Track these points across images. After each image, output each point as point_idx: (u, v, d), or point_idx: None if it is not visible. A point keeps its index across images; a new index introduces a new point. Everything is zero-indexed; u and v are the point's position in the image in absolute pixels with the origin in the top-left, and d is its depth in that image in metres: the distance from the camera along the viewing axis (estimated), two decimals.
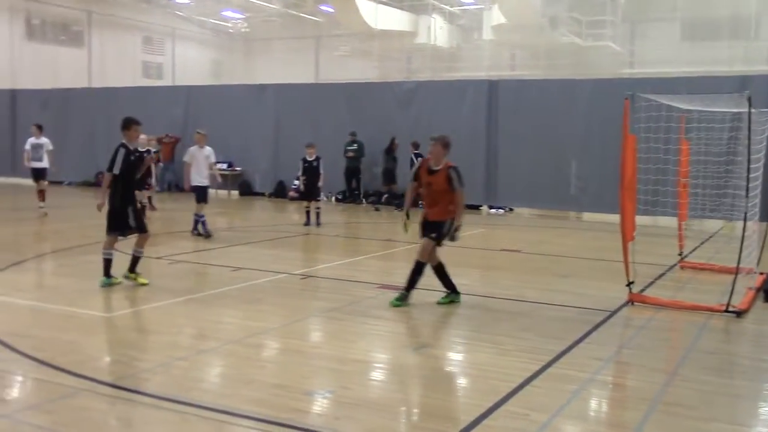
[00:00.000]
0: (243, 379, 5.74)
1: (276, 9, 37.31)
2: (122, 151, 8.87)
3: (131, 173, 9.02)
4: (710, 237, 15.10)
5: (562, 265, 11.72)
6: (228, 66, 41.64)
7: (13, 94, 27.42)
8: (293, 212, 19.13)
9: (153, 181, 17.51)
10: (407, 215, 8.52)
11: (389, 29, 34.49)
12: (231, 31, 41.23)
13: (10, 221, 15.72)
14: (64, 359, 6.02)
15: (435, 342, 7.11)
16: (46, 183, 17.50)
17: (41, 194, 17.17)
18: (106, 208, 8.92)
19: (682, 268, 11.12)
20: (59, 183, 25.67)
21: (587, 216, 19.07)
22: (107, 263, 8.97)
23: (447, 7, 35.60)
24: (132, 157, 8.98)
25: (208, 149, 13.74)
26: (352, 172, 21.11)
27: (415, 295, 8.95)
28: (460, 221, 8.32)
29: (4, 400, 5.29)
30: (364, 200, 21.54)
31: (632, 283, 8.53)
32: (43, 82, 28.46)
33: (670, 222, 12.99)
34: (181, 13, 39.80)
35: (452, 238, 8.40)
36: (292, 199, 21.95)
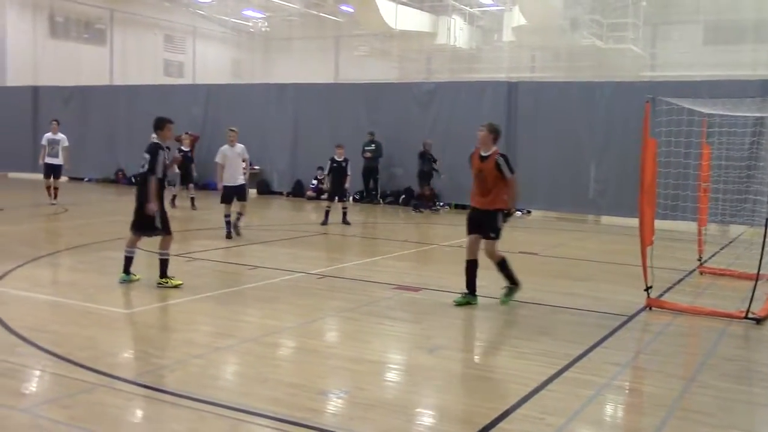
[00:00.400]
0: (259, 378, 5.76)
1: (296, 9, 37.46)
2: (161, 153, 8.86)
3: (164, 173, 9.00)
4: (730, 242, 14.96)
5: (580, 268, 11.66)
6: (248, 65, 41.84)
7: (36, 91, 27.69)
8: (311, 211, 19.18)
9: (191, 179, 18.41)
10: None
11: (409, 30, 34.50)
12: (251, 30, 41.42)
13: (29, 217, 15.88)
14: (82, 354, 6.07)
15: (451, 344, 7.10)
16: (59, 181, 17.57)
17: (54, 191, 17.29)
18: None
19: (701, 273, 11.02)
20: (80, 180, 25.94)
21: (605, 219, 18.96)
22: (128, 260, 9.02)
23: (467, 8, 35.54)
24: (165, 157, 9.01)
25: (240, 147, 13.39)
26: (370, 172, 21.13)
27: (431, 296, 8.95)
28: (514, 207, 8.53)
29: (23, 395, 5.34)
30: (381, 200, 21.56)
31: (650, 287, 8.47)
32: (65, 79, 28.72)
33: (689, 227, 12.89)
34: (202, 12, 40.05)
35: (505, 220, 8.54)
36: (310, 198, 22.02)
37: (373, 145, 20.85)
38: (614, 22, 31.60)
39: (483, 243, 8.45)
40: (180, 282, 8.91)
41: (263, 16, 39.93)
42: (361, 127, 21.19)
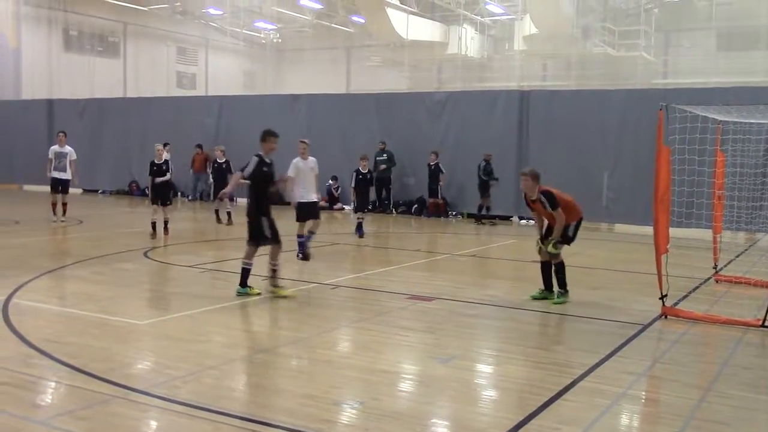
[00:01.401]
0: (273, 389, 5.76)
1: (307, 20, 37.67)
2: (255, 159, 9.05)
3: (263, 184, 9.10)
4: (746, 250, 14.85)
5: (594, 277, 11.60)
6: (260, 76, 42.07)
7: (50, 104, 27.94)
8: (324, 222, 19.17)
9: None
10: (541, 239, 9.31)
11: (420, 39, 34.58)
12: (263, 41, 41.66)
13: (45, 229, 15.98)
14: (98, 366, 6.10)
15: (464, 354, 7.07)
16: (67, 196, 16.63)
17: (63, 207, 16.43)
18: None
19: (716, 281, 10.93)
20: (94, 192, 26.12)
21: (619, 228, 18.88)
22: (245, 273, 9.09)
23: (478, 18, 35.59)
24: (265, 168, 9.09)
25: (312, 160, 12.29)
26: (382, 182, 21.15)
27: (445, 305, 8.94)
28: (557, 237, 9.01)
29: (40, 406, 5.37)
30: (393, 210, 21.56)
31: (665, 296, 8.41)
32: (79, 91, 28.98)
33: (704, 234, 12.81)
34: (214, 24, 40.33)
35: (544, 248, 9.14)
36: (323, 208, 22.04)
37: (385, 155, 20.89)
38: (626, 29, 31.56)
39: (541, 252, 9.26)
40: (288, 294, 9.09)
41: (275, 27, 40.16)
42: (373, 137, 21.24)
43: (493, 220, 19.55)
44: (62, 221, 16.29)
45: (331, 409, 5.35)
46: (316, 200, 12.32)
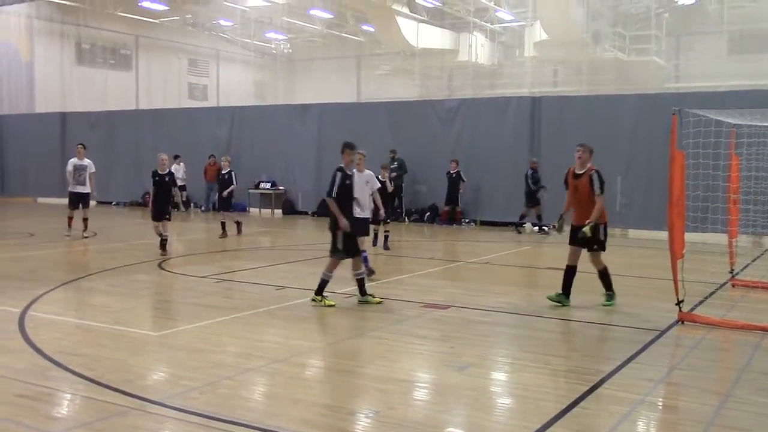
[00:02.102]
0: (289, 399, 5.75)
1: (318, 29, 37.79)
2: (339, 174, 9.04)
3: (342, 197, 9.07)
4: (762, 254, 14.73)
5: None
6: (271, 86, 42.22)
7: (64, 117, 28.15)
8: None
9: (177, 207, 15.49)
10: (561, 217, 9.46)
11: (430, 47, 34.62)
12: (274, 52, 41.85)
13: (60, 241, 16.06)
14: (113, 377, 6.11)
15: (480, 362, 7.04)
16: (88, 210, 16.39)
17: (84, 222, 16.12)
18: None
19: (733, 286, 10.85)
20: (108, 203, 26.26)
21: (633, 233, 18.77)
22: (322, 283, 9.13)
23: (488, 25, 35.60)
24: (347, 182, 9.11)
25: (368, 174, 11.39)
26: (394, 190, 21.10)
27: (459, 313, 8.90)
28: (593, 220, 8.92)
29: (56, 418, 5.38)
30: (406, 218, 21.55)
31: (682, 301, 8.35)
32: (92, 104, 29.19)
33: (720, 239, 12.71)
34: (225, 36, 40.55)
35: (582, 236, 9.01)
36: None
37: (396, 163, 20.88)
38: (637, 34, 31.46)
39: (589, 255, 9.18)
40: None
41: (285, 37, 40.34)
42: (384, 146, 21.24)
43: (546, 227, 18.67)
44: (84, 236, 16.02)
45: (347, 418, 5.33)
46: (367, 217, 11.33)
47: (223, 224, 16.96)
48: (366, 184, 11.15)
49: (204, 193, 24.37)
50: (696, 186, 10.37)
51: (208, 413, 5.32)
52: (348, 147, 9.22)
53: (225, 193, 16.87)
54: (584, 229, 8.93)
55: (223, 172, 17.11)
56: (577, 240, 9.15)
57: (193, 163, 24.24)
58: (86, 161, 16.34)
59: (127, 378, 6.14)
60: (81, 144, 16.97)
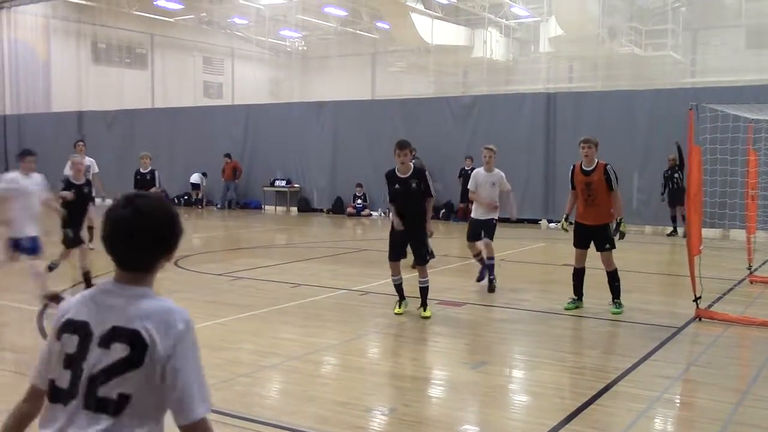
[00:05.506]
0: (305, 396, 5.76)
1: (332, 27, 37.80)
2: (388, 180, 8.49)
3: (400, 199, 8.46)
4: None
5: (626, 279, 11.40)
6: (286, 84, 42.28)
7: (80, 116, 28.33)
8: (351, 228, 19.23)
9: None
10: (567, 219, 9.07)
11: (445, 44, 34.51)
12: (288, 49, 41.89)
13: None
14: None
15: (495, 359, 7.03)
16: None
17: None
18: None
19: (751, 282, 10.75)
20: None
21: (649, 229, 18.66)
22: (396, 289, 8.73)
23: (503, 21, 35.46)
24: (396, 185, 8.42)
25: (497, 174, 10.35)
26: None
27: (474, 311, 8.89)
28: (622, 215, 8.79)
29: None
30: None
31: (699, 298, 8.29)
32: (108, 103, 29.35)
33: (737, 235, 12.61)
34: (240, 34, 40.64)
35: (621, 236, 8.83)
36: (351, 215, 22.10)
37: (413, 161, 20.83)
38: (653, 29, 31.20)
39: (601, 255, 8.76)
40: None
41: (300, 35, 40.37)
42: None
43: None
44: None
45: (363, 415, 5.34)
46: (492, 217, 10.32)
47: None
48: (491, 185, 10.20)
49: (221, 191, 24.51)
50: (714, 182, 10.31)
51: (225, 410, 5.34)
52: (396, 146, 8.33)
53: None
54: (621, 229, 8.79)
55: (143, 171, 14.08)
56: (585, 243, 8.79)
57: (208, 162, 24.36)
58: (88, 160, 14.41)
59: None
60: (81, 140, 15.62)
